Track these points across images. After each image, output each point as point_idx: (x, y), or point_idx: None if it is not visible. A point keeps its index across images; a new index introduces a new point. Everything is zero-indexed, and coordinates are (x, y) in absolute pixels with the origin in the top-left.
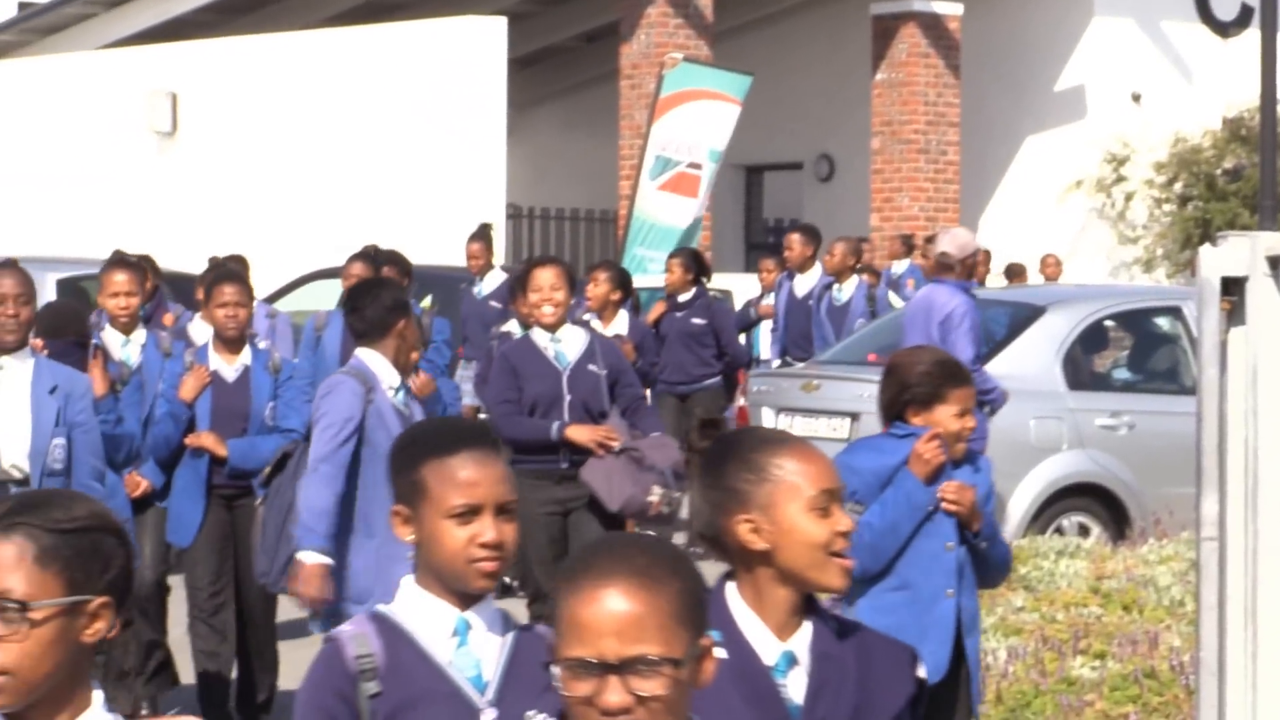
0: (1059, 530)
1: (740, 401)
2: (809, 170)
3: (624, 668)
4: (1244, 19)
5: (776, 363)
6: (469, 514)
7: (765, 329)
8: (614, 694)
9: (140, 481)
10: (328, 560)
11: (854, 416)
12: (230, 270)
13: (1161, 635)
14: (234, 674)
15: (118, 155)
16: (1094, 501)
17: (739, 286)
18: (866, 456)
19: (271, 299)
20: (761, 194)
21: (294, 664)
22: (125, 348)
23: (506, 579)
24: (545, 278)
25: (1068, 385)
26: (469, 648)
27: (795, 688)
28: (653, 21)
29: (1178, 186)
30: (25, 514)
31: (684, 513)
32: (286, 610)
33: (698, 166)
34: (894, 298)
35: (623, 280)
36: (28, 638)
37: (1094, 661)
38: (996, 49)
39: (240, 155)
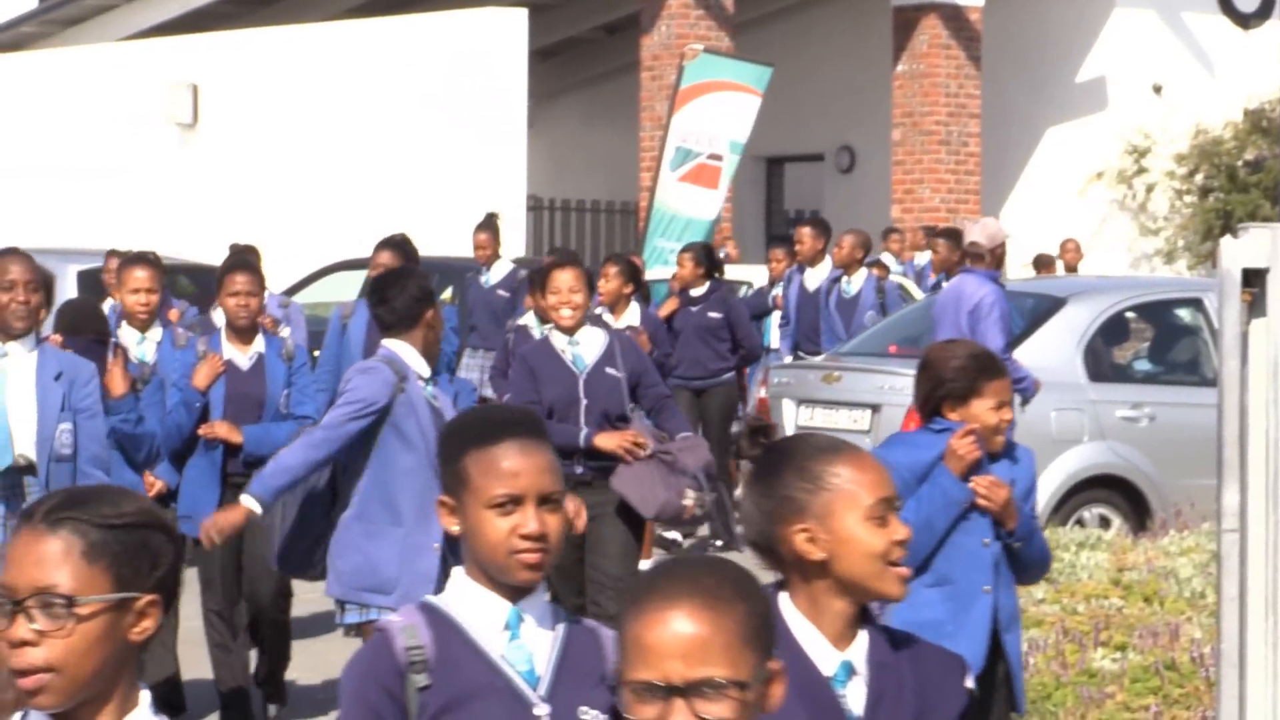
0: (1080, 522)
1: (761, 393)
2: (830, 162)
3: (689, 691)
4: (1265, 11)
5: (788, 358)
6: (511, 504)
7: (775, 319)
8: (679, 718)
9: (155, 482)
10: (258, 511)
11: (875, 408)
12: (242, 260)
13: (1182, 627)
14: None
15: (138, 147)
16: (1115, 493)
17: (760, 277)
18: (902, 452)
19: (293, 290)
20: (782, 185)
21: (311, 655)
22: (141, 345)
23: None
24: (564, 280)
25: (1088, 377)
26: (521, 641)
27: (854, 699)
28: (673, 13)
29: (1199, 178)
30: (73, 509)
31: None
32: (307, 604)
33: (718, 158)
34: (913, 287)
35: (633, 273)
36: (73, 634)
37: (1115, 653)
38: (1018, 40)
39: (261, 147)
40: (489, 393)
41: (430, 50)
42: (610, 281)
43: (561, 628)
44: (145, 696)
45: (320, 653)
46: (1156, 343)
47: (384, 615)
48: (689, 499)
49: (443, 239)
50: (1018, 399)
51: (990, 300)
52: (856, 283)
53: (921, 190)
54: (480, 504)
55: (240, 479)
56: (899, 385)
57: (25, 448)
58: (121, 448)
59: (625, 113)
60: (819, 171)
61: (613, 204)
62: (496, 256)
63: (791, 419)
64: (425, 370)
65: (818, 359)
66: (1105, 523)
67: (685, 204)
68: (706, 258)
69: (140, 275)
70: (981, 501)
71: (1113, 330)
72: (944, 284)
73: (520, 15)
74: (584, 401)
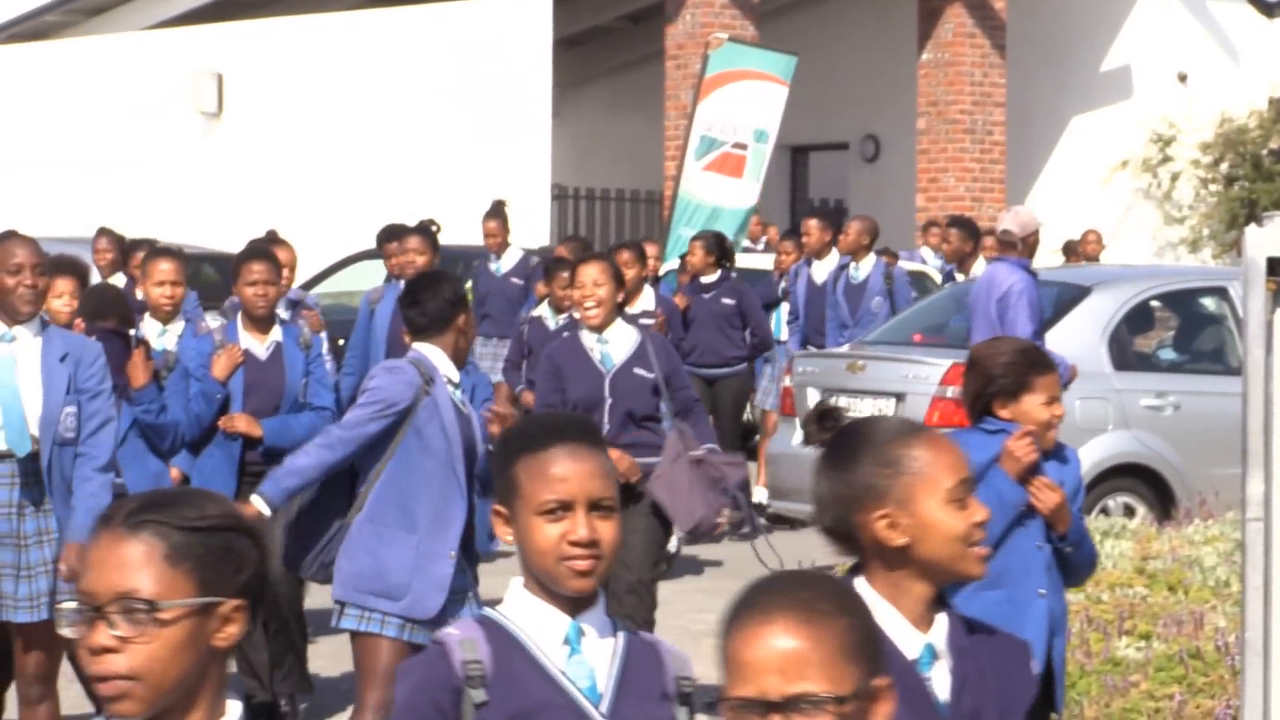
0: (1104, 511)
1: (786, 382)
2: (854, 151)
3: (787, 707)
4: None
5: (798, 352)
6: (561, 510)
7: (784, 311)
8: None
9: (173, 470)
10: (267, 513)
11: (899, 397)
12: (259, 248)
13: (1207, 616)
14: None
15: (163, 136)
16: (1139, 482)
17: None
18: None
19: (317, 279)
20: (807, 174)
21: (335, 644)
22: (162, 337)
23: None
24: (588, 274)
25: (1113, 366)
26: (582, 656)
27: (939, 682)
28: (698, 1)
29: (1224, 167)
30: (154, 511)
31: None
32: (326, 595)
33: (743, 147)
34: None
35: (644, 259)
36: (155, 639)
37: (1139, 642)
38: (1043, 29)
39: (285, 136)
40: (498, 379)
41: (455, 39)
42: (627, 270)
43: (621, 642)
44: (236, 707)
45: (343, 642)
46: (1181, 331)
47: (386, 624)
48: (723, 517)
49: (467, 228)
50: None
51: (1020, 288)
52: (864, 269)
53: (946, 179)
54: (530, 511)
55: (258, 469)
56: (923, 374)
57: (33, 432)
58: (145, 436)
59: (650, 102)
60: (844, 160)
61: (637, 193)
62: (507, 244)
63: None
64: (455, 374)
65: (843, 348)
66: (1130, 511)
67: (710, 193)
68: (717, 245)
69: (165, 267)
70: (1035, 504)
71: (1137, 319)
72: (955, 274)
73: (545, 4)
74: (609, 401)
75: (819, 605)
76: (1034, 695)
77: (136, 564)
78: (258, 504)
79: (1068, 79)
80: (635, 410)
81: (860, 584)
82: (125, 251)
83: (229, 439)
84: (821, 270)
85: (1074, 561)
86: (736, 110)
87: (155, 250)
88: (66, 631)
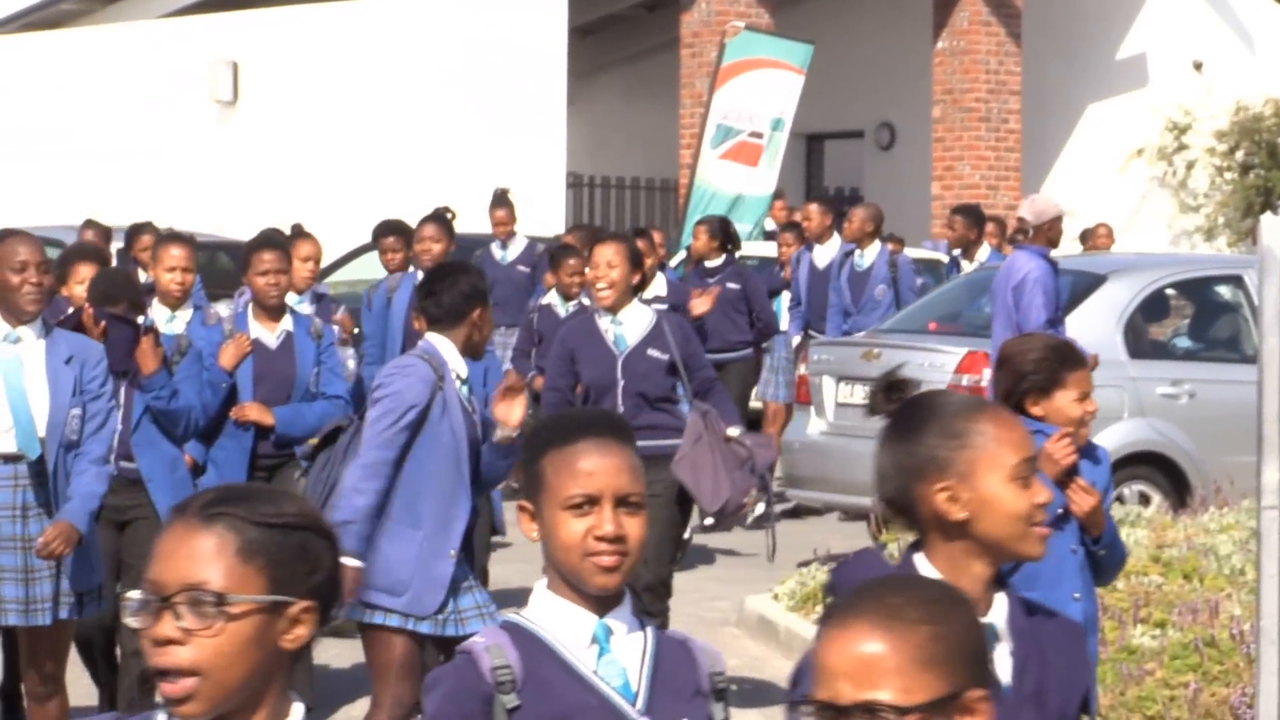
0: (1120, 499)
1: (801, 369)
2: (870, 138)
3: (854, 713)
4: None
5: (797, 338)
6: (587, 505)
7: (785, 299)
8: None
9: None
10: (360, 564)
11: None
12: (270, 237)
13: (1222, 604)
14: None
15: (178, 125)
16: (1155, 470)
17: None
18: None
19: (331, 268)
20: (822, 162)
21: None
22: (170, 324)
23: None
24: (602, 255)
25: (1129, 354)
26: (612, 655)
27: (1000, 664)
28: None
29: (1239, 155)
30: (229, 505)
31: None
32: None
33: (759, 135)
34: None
35: (654, 246)
36: (221, 634)
37: (1154, 630)
38: (1058, 17)
39: (301, 124)
40: (507, 367)
41: (471, 28)
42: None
43: (650, 639)
44: (299, 709)
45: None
46: (1196, 320)
47: (389, 617)
48: (750, 498)
49: (482, 217)
50: None
51: (1035, 276)
52: (869, 256)
53: (961, 167)
54: (556, 505)
55: (270, 461)
56: (939, 362)
57: (40, 434)
58: (158, 422)
59: (665, 90)
60: (859, 148)
61: (653, 181)
62: (513, 232)
63: (831, 396)
64: (463, 369)
65: (859, 335)
66: (1145, 500)
67: (726, 181)
68: (722, 231)
69: (176, 253)
70: (1072, 507)
71: (1153, 307)
72: (960, 261)
73: None
74: (621, 382)
75: (904, 612)
76: (1091, 680)
77: (208, 556)
78: (351, 564)
79: (1083, 67)
80: (648, 392)
81: (919, 560)
82: (128, 237)
83: (241, 429)
84: (823, 255)
85: (1105, 563)
86: (753, 98)
87: (165, 236)
88: (131, 621)
